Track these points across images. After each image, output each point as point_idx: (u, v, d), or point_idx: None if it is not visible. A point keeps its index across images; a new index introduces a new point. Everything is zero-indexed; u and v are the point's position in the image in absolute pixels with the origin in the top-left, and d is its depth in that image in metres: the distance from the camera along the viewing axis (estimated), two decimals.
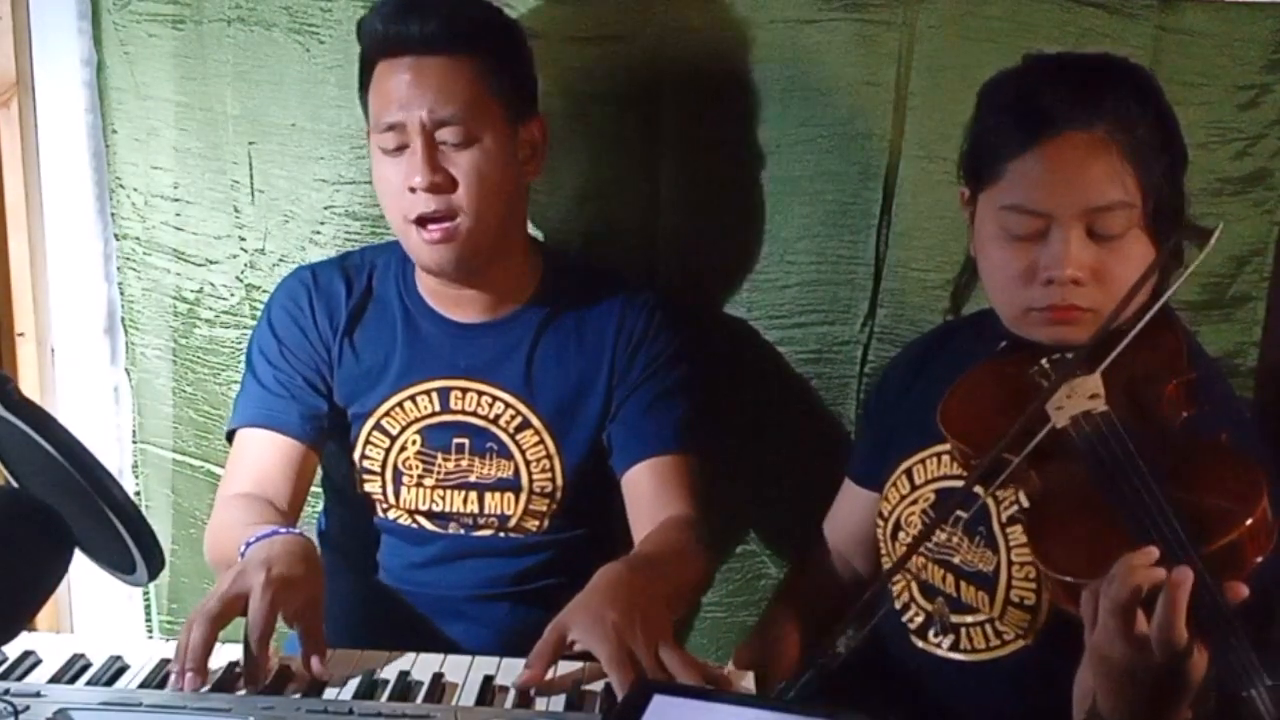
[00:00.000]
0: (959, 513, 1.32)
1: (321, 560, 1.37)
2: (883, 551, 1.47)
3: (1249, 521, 1.06)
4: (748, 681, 1.30)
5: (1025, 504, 1.29)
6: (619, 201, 1.81)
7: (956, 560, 1.36)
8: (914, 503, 1.42)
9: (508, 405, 1.59)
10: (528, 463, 1.60)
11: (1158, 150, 1.26)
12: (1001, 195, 1.29)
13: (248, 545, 1.35)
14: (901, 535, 1.42)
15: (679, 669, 1.23)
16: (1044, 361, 1.29)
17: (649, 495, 1.57)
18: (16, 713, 1.15)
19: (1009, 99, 1.31)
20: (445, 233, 1.49)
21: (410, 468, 1.61)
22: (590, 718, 1.22)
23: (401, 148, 1.49)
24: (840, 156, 1.76)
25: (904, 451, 1.45)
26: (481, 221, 1.50)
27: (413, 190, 1.48)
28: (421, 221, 1.49)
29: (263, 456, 1.59)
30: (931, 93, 1.71)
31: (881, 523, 1.46)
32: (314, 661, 1.27)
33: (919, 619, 1.41)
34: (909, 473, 1.44)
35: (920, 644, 1.41)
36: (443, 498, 1.61)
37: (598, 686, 1.27)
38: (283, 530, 1.38)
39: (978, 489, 1.28)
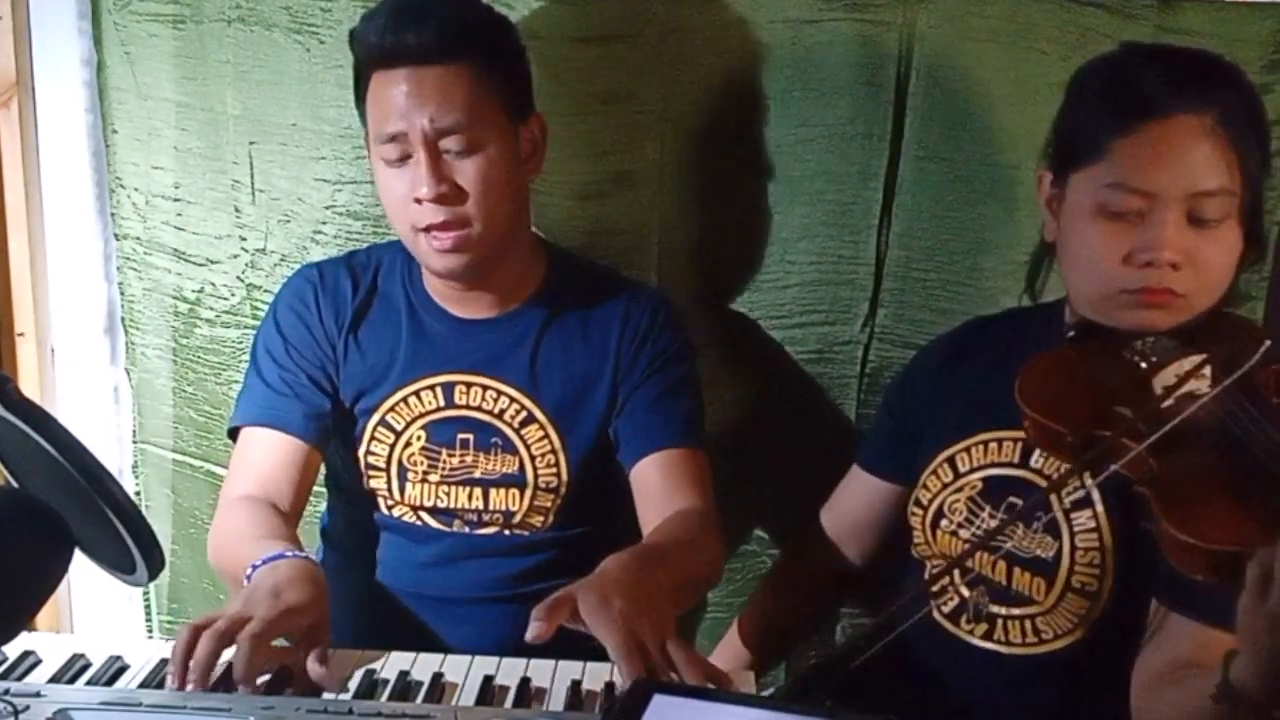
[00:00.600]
0: (1012, 499, 1.33)
1: (326, 581, 1.38)
2: (919, 540, 1.47)
3: None
4: (748, 681, 1.30)
5: (1096, 494, 1.29)
6: (620, 202, 1.81)
7: (1009, 546, 1.36)
8: (959, 490, 1.42)
9: (512, 400, 1.60)
10: (532, 458, 1.60)
11: (1256, 143, 1.28)
12: (1104, 173, 1.28)
13: (254, 568, 1.37)
14: (944, 523, 1.42)
15: (684, 665, 1.22)
16: (1139, 343, 1.29)
17: (657, 488, 1.57)
18: (16, 713, 1.15)
19: (1113, 82, 1.32)
20: (455, 241, 1.49)
21: (415, 463, 1.61)
22: (590, 717, 1.22)
23: (404, 158, 1.48)
24: (840, 156, 1.76)
25: (943, 441, 1.46)
26: (490, 226, 1.50)
27: (419, 201, 1.47)
28: (430, 229, 1.49)
29: (266, 456, 1.58)
30: (931, 93, 1.72)
31: (920, 511, 1.46)
32: (317, 669, 1.26)
33: (953, 603, 1.41)
34: (951, 461, 1.44)
35: (951, 628, 1.41)
36: (447, 493, 1.61)
37: (598, 686, 1.28)
38: (289, 553, 1.39)
39: (1087, 475, 1.28)
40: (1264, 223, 1.34)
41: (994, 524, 1.36)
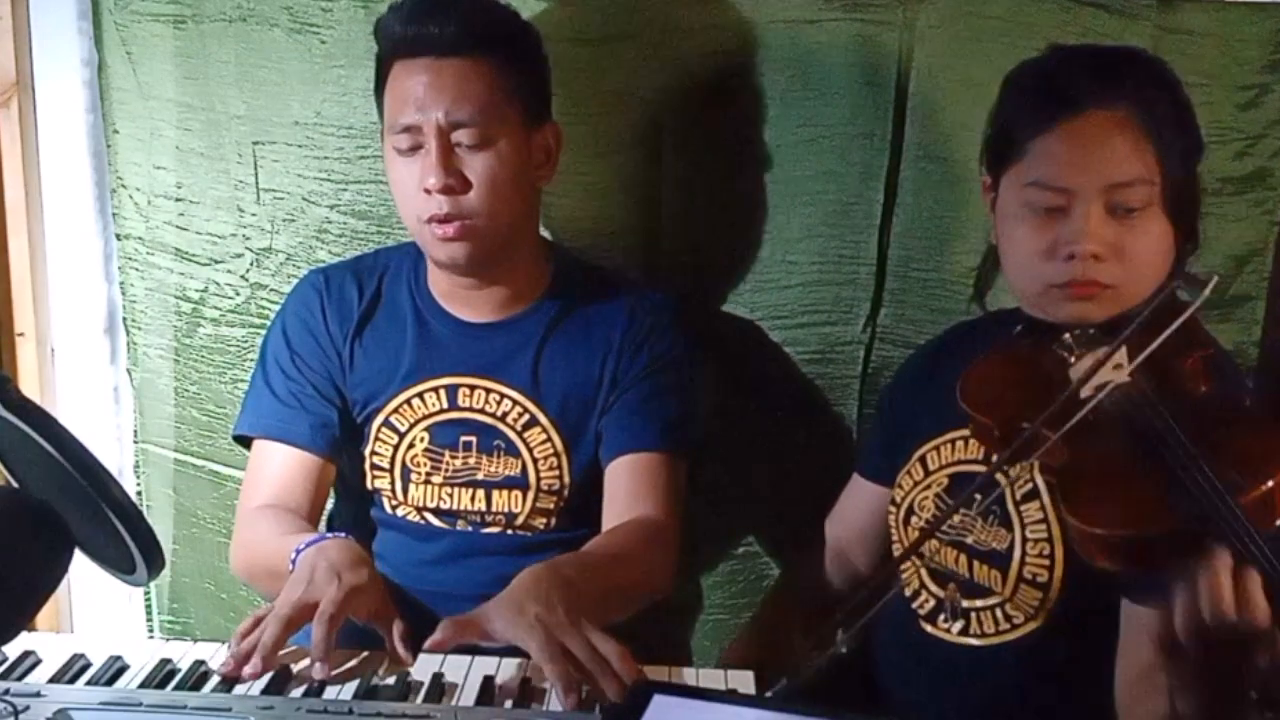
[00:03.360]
0: (977, 495, 1.34)
1: (372, 560, 1.43)
2: (894, 538, 1.48)
3: (1272, 482, 1.08)
4: (747, 681, 1.30)
5: (1042, 479, 1.31)
6: (621, 202, 1.81)
7: (969, 540, 1.38)
8: (927, 488, 1.44)
9: (515, 403, 1.60)
10: (535, 461, 1.60)
11: (1177, 134, 1.30)
12: (1025, 172, 1.32)
13: (298, 552, 1.40)
14: (914, 520, 1.44)
15: (617, 660, 1.23)
16: (1066, 335, 1.31)
17: (623, 492, 1.57)
18: (16, 713, 1.15)
19: (1033, 81, 1.35)
20: (458, 230, 1.50)
21: (418, 465, 1.61)
22: (590, 717, 1.22)
23: (416, 148, 1.49)
24: (841, 157, 1.76)
25: (918, 439, 1.47)
26: (494, 222, 1.51)
27: (427, 191, 1.48)
28: (434, 220, 1.50)
29: (280, 470, 1.61)
30: (931, 93, 1.72)
31: (894, 509, 1.48)
32: (401, 648, 1.32)
33: (929, 604, 1.42)
34: (923, 459, 1.46)
35: (930, 629, 1.42)
36: (450, 495, 1.62)
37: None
38: (328, 535, 1.43)
39: (1005, 470, 1.30)
40: (1196, 209, 1.35)
41: (956, 519, 1.38)
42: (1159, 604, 1.17)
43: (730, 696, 1.24)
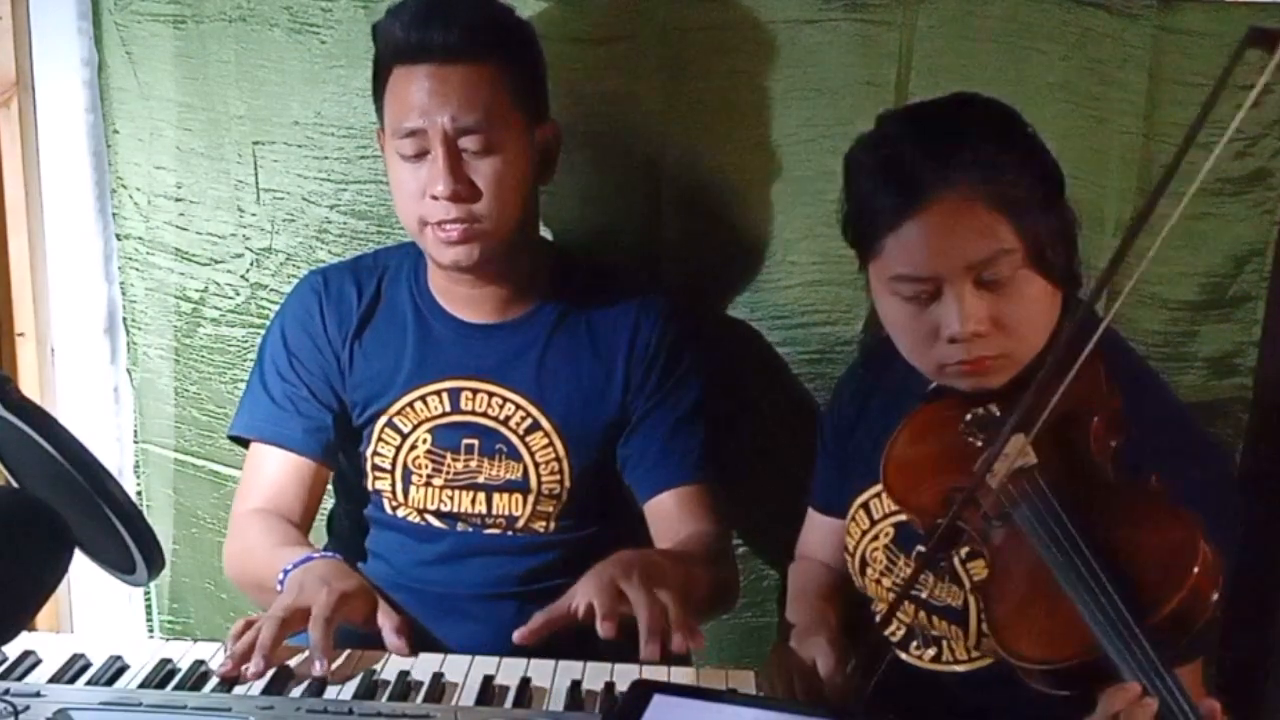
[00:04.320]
0: (920, 548, 1.32)
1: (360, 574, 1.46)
2: (857, 584, 1.46)
3: (1193, 576, 1.07)
4: (748, 681, 1.30)
5: (974, 578, 1.30)
6: (621, 202, 1.81)
7: (924, 595, 1.36)
8: (875, 538, 1.42)
9: (518, 406, 1.60)
10: (537, 465, 1.60)
11: (1029, 189, 1.26)
12: (887, 267, 1.28)
13: (286, 573, 1.43)
14: (869, 571, 1.42)
15: (675, 611, 1.24)
16: (967, 418, 1.30)
17: (674, 523, 1.59)
18: (16, 713, 1.15)
19: (873, 168, 1.31)
20: (463, 233, 1.50)
21: (420, 467, 1.61)
22: (590, 717, 1.22)
23: (421, 154, 1.49)
24: (841, 156, 1.75)
25: (861, 484, 1.45)
26: (500, 226, 1.51)
27: (434, 198, 1.48)
28: (440, 224, 1.50)
29: (274, 473, 1.61)
30: (931, 93, 1.69)
31: (849, 556, 1.45)
32: (397, 641, 1.36)
33: (900, 632, 1.41)
34: (866, 507, 1.44)
35: (904, 657, 1.41)
36: (451, 498, 1.62)
37: (598, 686, 1.28)
38: (315, 555, 1.46)
39: (937, 559, 1.29)
40: (1071, 248, 1.30)
41: (908, 572, 1.36)
42: None
43: (730, 696, 1.24)
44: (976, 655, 1.35)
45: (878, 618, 1.43)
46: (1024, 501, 1.19)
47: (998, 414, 1.27)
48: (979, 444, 1.27)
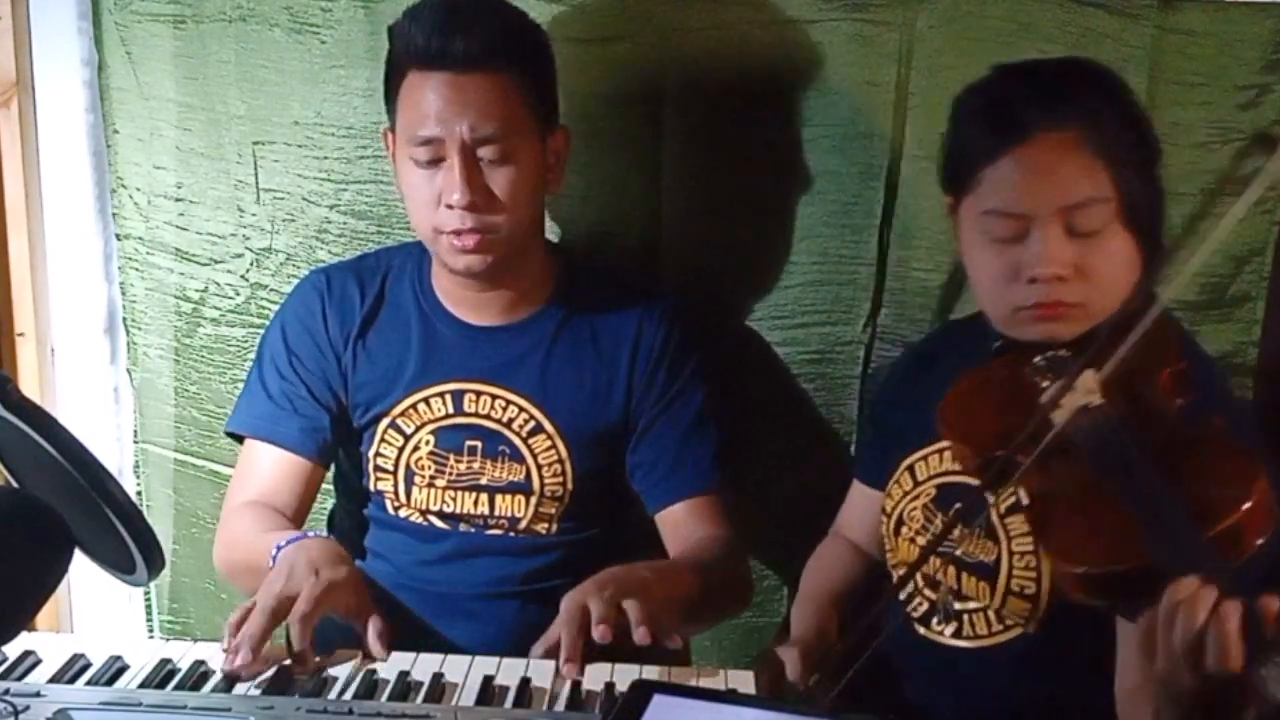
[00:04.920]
0: (958, 505, 1.33)
1: (351, 559, 1.45)
2: (887, 547, 1.48)
3: (1248, 505, 1.07)
4: (747, 681, 1.30)
5: (1025, 500, 1.30)
6: (622, 202, 1.81)
7: (958, 552, 1.37)
8: (916, 498, 1.44)
9: (521, 409, 1.60)
10: (539, 467, 1.60)
11: (1129, 147, 1.29)
12: (980, 201, 1.31)
13: (279, 549, 1.42)
14: (904, 530, 1.44)
15: (635, 619, 1.27)
16: (1037, 359, 1.31)
17: (684, 532, 1.60)
18: (16, 713, 1.15)
19: (980, 107, 1.34)
20: (478, 243, 1.49)
21: (422, 468, 1.61)
22: (590, 718, 1.22)
23: (436, 161, 1.48)
24: (841, 156, 1.76)
25: (907, 449, 1.47)
26: (513, 232, 1.51)
27: (449, 207, 1.48)
28: (455, 231, 1.49)
29: (268, 470, 1.61)
30: (931, 93, 1.71)
31: (885, 518, 1.47)
32: (376, 645, 1.34)
33: (923, 608, 1.42)
34: (911, 469, 1.46)
35: (924, 632, 1.42)
36: (453, 499, 1.62)
37: (598, 686, 1.28)
38: (309, 534, 1.45)
39: (988, 494, 1.29)
40: (1160, 218, 1.34)
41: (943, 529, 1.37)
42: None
43: (730, 696, 1.24)
44: (997, 629, 1.35)
45: (901, 594, 1.43)
46: (1090, 429, 1.19)
47: (1067, 356, 1.28)
48: (1044, 384, 1.27)
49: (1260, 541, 1.08)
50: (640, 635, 1.27)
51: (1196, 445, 1.18)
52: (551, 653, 1.30)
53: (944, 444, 1.42)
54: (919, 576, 1.42)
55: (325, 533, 1.78)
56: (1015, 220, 1.28)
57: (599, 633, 1.27)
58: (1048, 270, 1.27)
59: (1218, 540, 1.06)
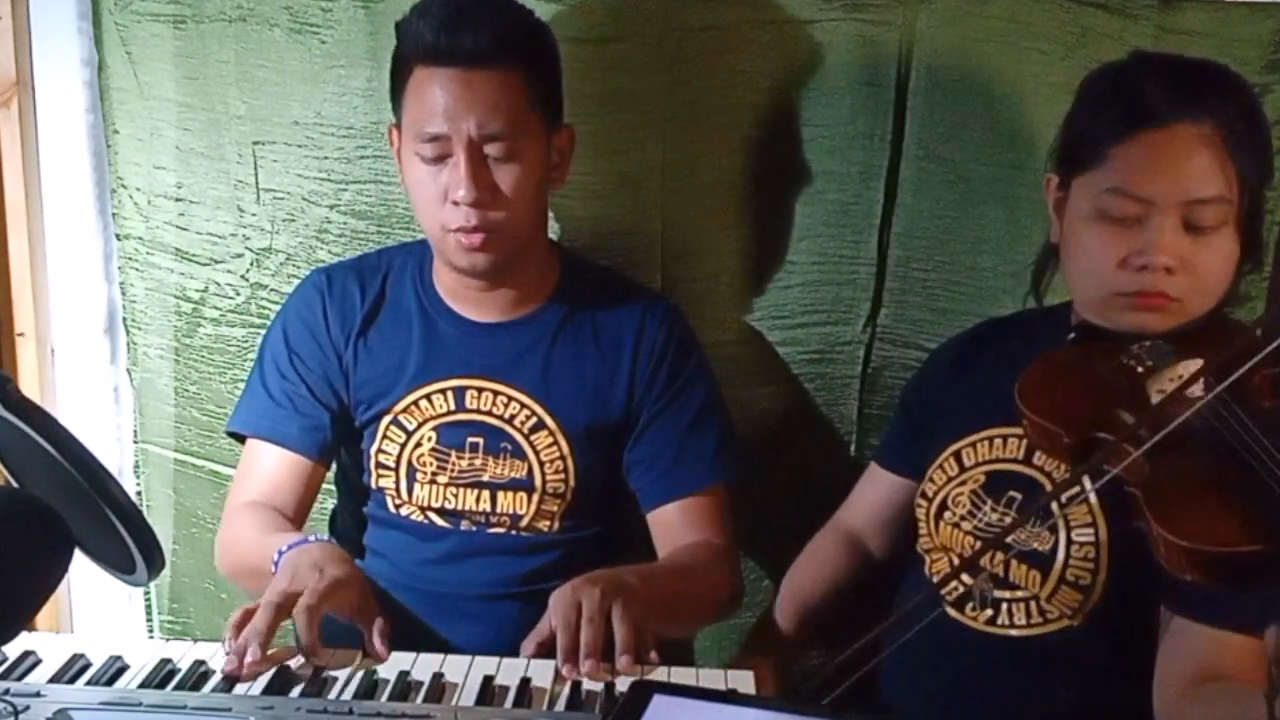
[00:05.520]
0: (1012, 493, 1.34)
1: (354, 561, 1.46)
2: (923, 532, 1.48)
3: None
4: (747, 681, 1.30)
5: (1134, 490, 1.28)
6: (622, 203, 1.81)
7: (1008, 539, 1.37)
8: (963, 484, 1.44)
9: (523, 406, 1.60)
10: (541, 464, 1.60)
11: (1254, 154, 1.30)
12: (1104, 178, 1.31)
13: (281, 554, 1.42)
14: (947, 515, 1.44)
15: (622, 637, 1.28)
16: (1135, 346, 1.31)
17: (677, 531, 1.60)
18: (16, 713, 1.15)
19: (1116, 88, 1.34)
20: (484, 241, 1.50)
21: (424, 464, 1.61)
22: (590, 718, 1.22)
23: (442, 158, 1.48)
24: (841, 156, 1.76)
25: (951, 436, 1.47)
26: (518, 230, 1.52)
27: (455, 203, 1.48)
28: (460, 230, 1.50)
29: (269, 469, 1.61)
30: (931, 93, 1.72)
31: (924, 503, 1.48)
32: (379, 644, 1.34)
33: (957, 591, 1.42)
34: (958, 455, 1.46)
35: (955, 615, 1.41)
36: (455, 496, 1.62)
37: (598, 686, 1.28)
38: (311, 538, 1.45)
39: (1086, 479, 1.29)
40: (1262, 229, 1.36)
41: (994, 516, 1.38)
42: (1212, 622, 1.19)
43: (730, 696, 1.24)
44: (1037, 620, 1.36)
45: (935, 577, 1.44)
46: (1211, 422, 1.19)
47: (1170, 348, 1.29)
48: (1140, 369, 1.28)
49: None
50: (624, 664, 1.28)
51: None
52: (544, 649, 1.31)
53: (996, 431, 1.42)
54: (956, 560, 1.42)
55: (327, 532, 1.79)
56: (1137, 203, 1.29)
57: (588, 634, 1.28)
58: (1159, 259, 1.27)
59: None
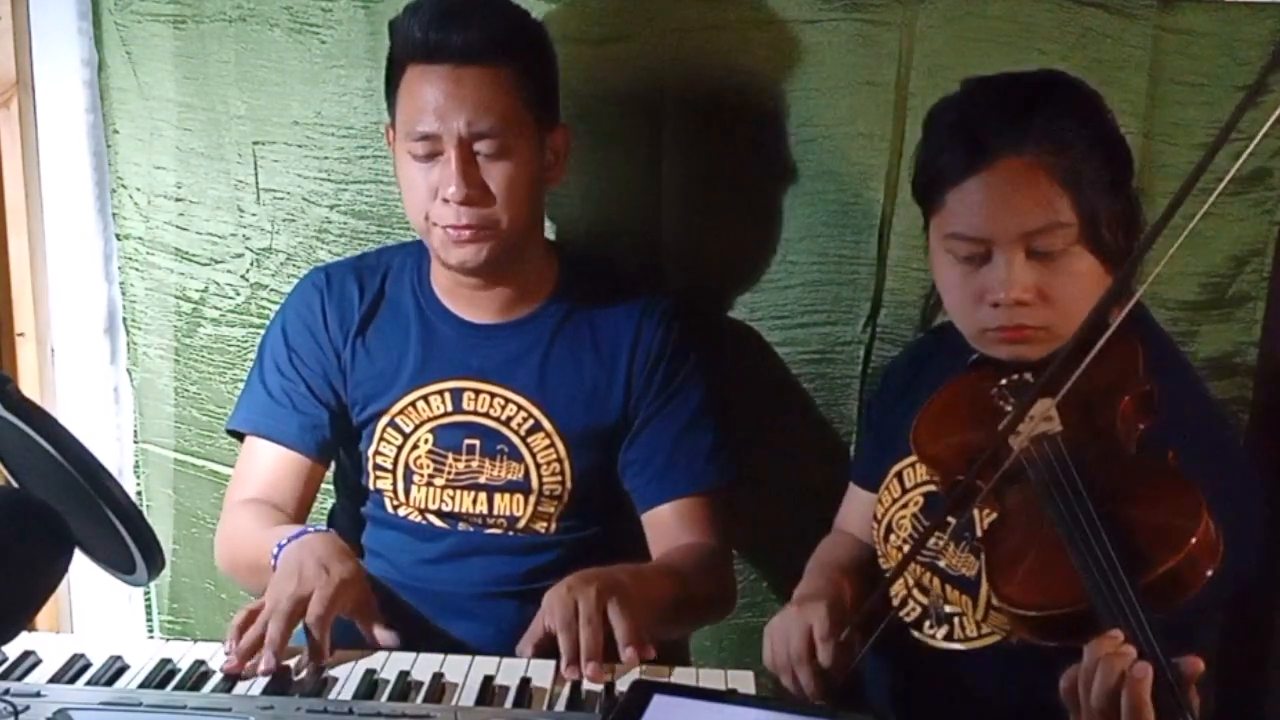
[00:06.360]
0: (949, 519, 1.33)
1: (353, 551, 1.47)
2: (879, 553, 1.48)
3: (1193, 540, 1.08)
4: (748, 681, 1.30)
5: (981, 530, 1.31)
6: (622, 202, 1.81)
7: (942, 564, 1.37)
8: (904, 506, 1.44)
9: (520, 407, 1.60)
10: (538, 465, 1.60)
11: (1096, 168, 1.28)
12: (944, 223, 1.32)
13: (280, 547, 1.42)
14: (892, 538, 1.44)
15: (622, 633, 1.28)
16: (1002, 382, 1.32)
17: (671, 533, 1.60)
18: (16, 713, 1.15)
19: (946, 126, 1.34)
20: (474, 234, 1.50)
21: (421, 466, 1.61)
22: (590, 718, 1.22)
23: (433, 155, 1.49)
24: (841, 156, 1.76)
25: (897, 455, 1.47)
26: (510, 229, 1.51)
27: (445, 201, 1.48)
28: (449, 227, 1.50)
29: (268, 467, 1.62)
30: (931, 93, 1.70)
31: (876, 524, 1.47)
32: (380, 635, 1.36)
33: (915, 612, 1.42)
34: (900, 476, 1.46)
35: (916, 635, 1.42)
36: (452, 498, 1.62)
37: (598, 686, 1.28)
38: (310, 529, 1.46)
39: (950, 518, 1.30)
40: (1132, 238, 1.32)
41: (931, 542, 1.37)
42: None
43: (730, 696, 1.24)
44: (986, 631, 1.35)
45: (895, 599, 1.44)
46: (1040, 461, 1.20)
47: (1031, 381, 1.28)
48: (1008, 408, 1.28)
49: (1209, 573, 1.08)
50: (629, 656, 1.28)
51: (1144, 482, 1.17)
52: (540, 649, 1.31)
53: None
54: (911, 581, 1.42)
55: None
56: (977, 244, 1.29)
57: (587, 635, 1.28)
58: (1009, 295, 1.27)
59: (1154, 586, 1.06)
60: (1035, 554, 1.17)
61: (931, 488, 1.41)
